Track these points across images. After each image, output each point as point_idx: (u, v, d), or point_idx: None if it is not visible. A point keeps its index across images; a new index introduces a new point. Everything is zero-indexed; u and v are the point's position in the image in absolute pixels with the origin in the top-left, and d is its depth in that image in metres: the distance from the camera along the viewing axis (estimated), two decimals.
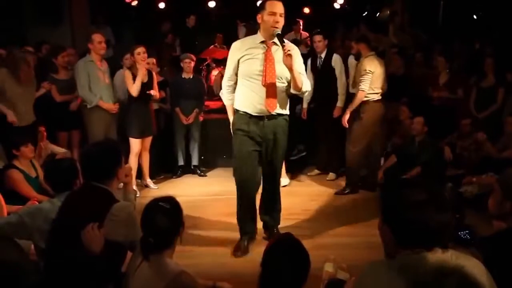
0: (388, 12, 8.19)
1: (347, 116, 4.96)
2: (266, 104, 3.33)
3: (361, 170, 5.26)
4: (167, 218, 2.06)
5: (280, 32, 3.22)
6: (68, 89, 5.15)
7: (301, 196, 5.07)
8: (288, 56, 3.15)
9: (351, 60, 5.53)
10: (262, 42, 3.35)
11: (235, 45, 3.47)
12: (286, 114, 3.52)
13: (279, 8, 3.26)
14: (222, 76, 7.74)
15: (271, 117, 3.41)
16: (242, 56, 3.36)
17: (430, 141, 5.06)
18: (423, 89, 5.92)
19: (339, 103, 5.33)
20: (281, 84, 3.36)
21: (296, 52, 3.36)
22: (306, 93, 3.58)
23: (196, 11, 8.53)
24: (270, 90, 3.32)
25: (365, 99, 4.89)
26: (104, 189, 2.25)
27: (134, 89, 4.89)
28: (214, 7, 9.41)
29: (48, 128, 4.81)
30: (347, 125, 5.01)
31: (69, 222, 2.20)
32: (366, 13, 9.35)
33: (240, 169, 3.53)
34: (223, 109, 7.09)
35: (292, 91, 3.41)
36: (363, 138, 5.00)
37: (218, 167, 6.26)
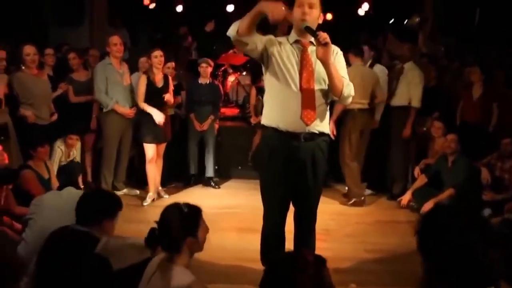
0: (418, 19, 7.75)
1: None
2: (303, 116, 2.74)
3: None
4: (179, 219, 2.08)
5: (309, 25, 2.64)
6: (84, 91, 5.10)
7: (319, 214, 4.75)
8: (322, 46, 2.55)
9: None
10: (297, 41, 2.81)
11: (268, 36, 2.84)
12: (327, 134, 2.90)
13: None
14: (238, 83, 7.69)
15: (309, 137, 2.78)
16: (273, 52, 2.77)
17: (465, 161, 4.68)
18: (455, 103, 5.50)
19: None
20: (320, 91, 2.79)
21: (338, 54, 2.85)
22: (350, 99, 2.88)
23: (214, 14, 8.30)
24: (307, 98, 2.74)
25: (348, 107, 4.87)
26: (85, 232, 2.32)
27: (141, 103, 4.81)
28: (233, 11, 9.15)
29: (61, 131, 4.76)
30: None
31: (51, 268, 2.26)
32: (393, 20, 8.92)
33: (267, 199, 2.96)
34: (239, 117, 6.97)
35: (331, 96, 2.85)
36: (345, 148, 5.11)
37: (232, 178, 5.99)
